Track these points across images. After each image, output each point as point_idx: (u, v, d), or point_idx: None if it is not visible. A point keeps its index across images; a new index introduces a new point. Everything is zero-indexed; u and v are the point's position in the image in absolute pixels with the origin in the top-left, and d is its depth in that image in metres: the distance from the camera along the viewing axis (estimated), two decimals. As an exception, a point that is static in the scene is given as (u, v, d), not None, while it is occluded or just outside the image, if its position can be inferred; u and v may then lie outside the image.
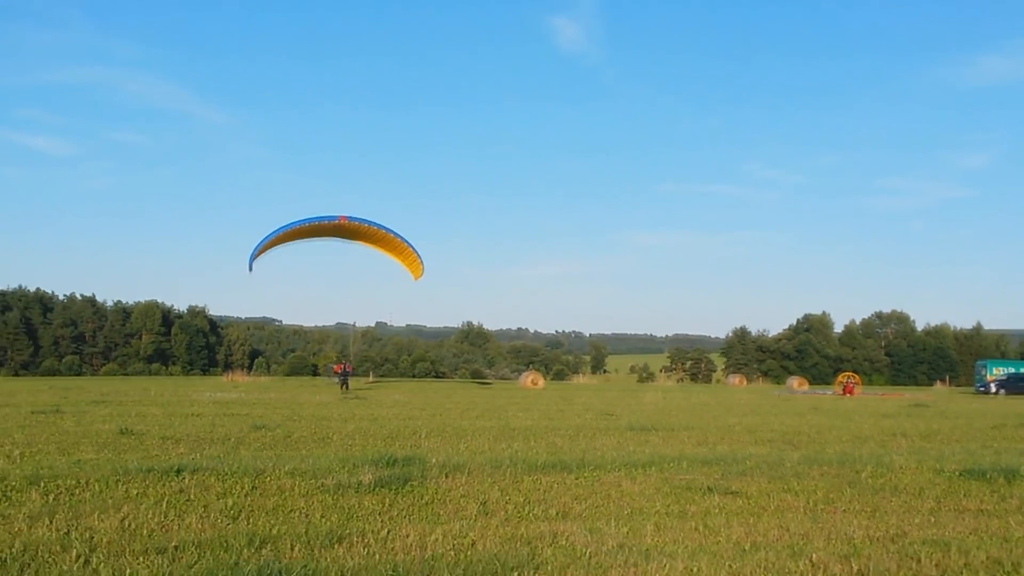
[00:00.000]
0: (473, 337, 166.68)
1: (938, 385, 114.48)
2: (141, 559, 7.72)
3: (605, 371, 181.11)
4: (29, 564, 7.47)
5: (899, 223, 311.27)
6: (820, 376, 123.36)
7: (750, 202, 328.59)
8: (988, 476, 13.27)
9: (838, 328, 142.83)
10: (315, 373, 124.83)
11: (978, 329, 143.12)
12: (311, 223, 48.99)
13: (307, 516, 9.82)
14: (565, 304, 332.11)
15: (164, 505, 10.12)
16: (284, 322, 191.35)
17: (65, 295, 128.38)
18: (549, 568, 7.66)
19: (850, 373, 79.44)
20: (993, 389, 73.86)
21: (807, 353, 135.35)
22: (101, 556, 7.76)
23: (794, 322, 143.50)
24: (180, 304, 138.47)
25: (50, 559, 7.64)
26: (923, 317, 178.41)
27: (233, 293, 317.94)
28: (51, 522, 9.06)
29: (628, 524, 9.70)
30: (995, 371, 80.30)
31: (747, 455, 16.05)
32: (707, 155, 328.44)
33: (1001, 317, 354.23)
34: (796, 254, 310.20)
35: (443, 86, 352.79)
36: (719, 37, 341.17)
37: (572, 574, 7.51)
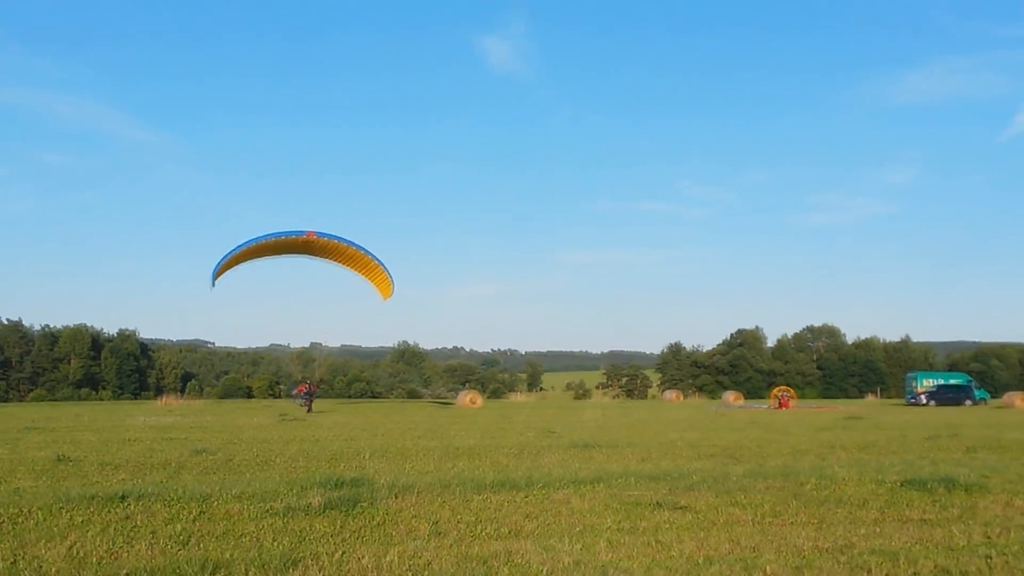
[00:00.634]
0: (409, 357, 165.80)
1: (869, 397, 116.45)
2: (93, 588, 7.60)
3: (541, 388, 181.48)
4: (-22, 596, 7.32)
5: (828, 238, 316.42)
6: (754, 390, 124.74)
7: (683, 219, 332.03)
8: (928, 486, 13.51)
9: (770, 342, 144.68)
10: (249, 395, 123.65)
11: (906, 341, 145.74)
12: (278, 238, 47.69)
13: (258, 540, 9.73)
14: (500, 322, 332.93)
15: (111, 532, 9.96)
16: (216, 344, 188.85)
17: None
18: (507, 587, 7.67)
19: (784, 387, 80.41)
20: (923, 400, 75.23)
21: (741, 368, 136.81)
22: (52, 585, 7.63)
23: (727, 337, 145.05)
24: (110, 328, 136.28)
25: (-1, 590, 7.50)
26: (853, 330, 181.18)
27: (164, 316, 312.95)
28: (-4, 552, 8.89)
29: (581, 541, 9.72)
30: (925, 383, 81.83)
31: (692, 470, 16.18)
32: (640, 173, 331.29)
33: (928, 329, 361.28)
34: (729, 270, 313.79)
35: (374, 106, 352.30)
36: (649, 56, 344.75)
37: (531, 592, 7.52)
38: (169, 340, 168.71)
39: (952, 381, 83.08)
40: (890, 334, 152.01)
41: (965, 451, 21.74)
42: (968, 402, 75.48)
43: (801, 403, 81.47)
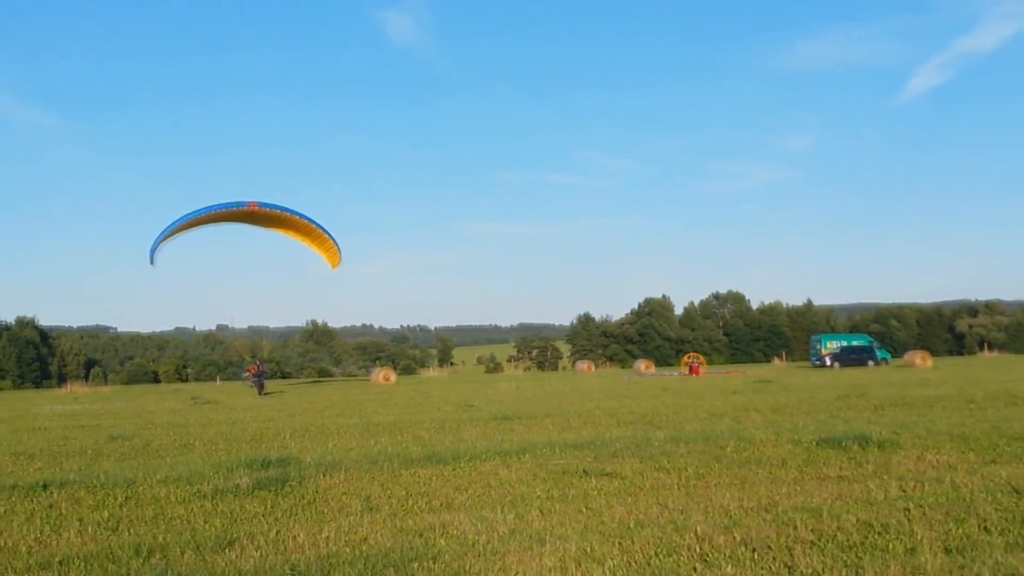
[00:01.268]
0: (318, 335, 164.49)
1: (776, 361, 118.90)
2: (27, 577, 7.50)
3: (452, 363, 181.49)
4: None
5: (731, 205, 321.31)
6: (663, 358, 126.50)
7: (588, 190, 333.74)
8: (843, 444, 13.90)
9: (678, 310, 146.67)
10: (156, 380, 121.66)
11: (809, 305, 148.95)
12: (219, 210, 46.07)
13: (190, 523, 9.68)
14: (409, 298, 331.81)
15: (37, 521, 9.83)
16: (119, 329, 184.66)
17: None
18: (446, 558, 7.73)
19: (694, 353, 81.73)
20: (828, 362, 77.07)
21: (649, 336, 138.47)
22: (-17, 577, 7.51)
23: (636, 306, 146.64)
24: (7, 315, 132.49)
25: (-71, 583, 7.36)
26: (758, 296, 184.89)
27: (63, 302, 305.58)
28: (-80, 546, 8.70)
29: (513, 511, 9.84)
30: (829, 344, 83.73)
31: (614, 437, 16.42)
32: (544, 144, 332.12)
33: (829, 292, 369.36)
34: (635, 239, 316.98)
35: (273, 81, 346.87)
36: (549, 26, 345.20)
37: (470, 562, 7.59)
38: (70, 326, 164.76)
39: (855, 343, 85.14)
40: (793, 298, 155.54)
41: (873, 410, 22.39)
42: (871, 363, 77.51)
43: (711, 369, 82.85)
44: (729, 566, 7.29)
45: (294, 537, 8.74)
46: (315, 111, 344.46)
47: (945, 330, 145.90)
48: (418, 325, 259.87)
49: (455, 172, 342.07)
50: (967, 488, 10.27)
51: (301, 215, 48.86)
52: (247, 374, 55.27)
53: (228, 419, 27.61)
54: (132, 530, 9.36)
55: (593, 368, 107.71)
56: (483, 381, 71.02)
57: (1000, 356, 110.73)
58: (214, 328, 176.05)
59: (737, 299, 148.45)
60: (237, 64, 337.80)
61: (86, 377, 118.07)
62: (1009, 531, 8.16)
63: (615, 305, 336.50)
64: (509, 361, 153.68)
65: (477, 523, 9.15)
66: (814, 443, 14.27)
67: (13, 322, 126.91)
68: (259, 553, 8.15)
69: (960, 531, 8.20)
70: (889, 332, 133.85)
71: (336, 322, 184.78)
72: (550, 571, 7.32)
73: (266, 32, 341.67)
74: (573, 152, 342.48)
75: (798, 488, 10.77)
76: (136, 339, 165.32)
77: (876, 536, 8.12)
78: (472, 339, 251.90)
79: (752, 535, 8.22)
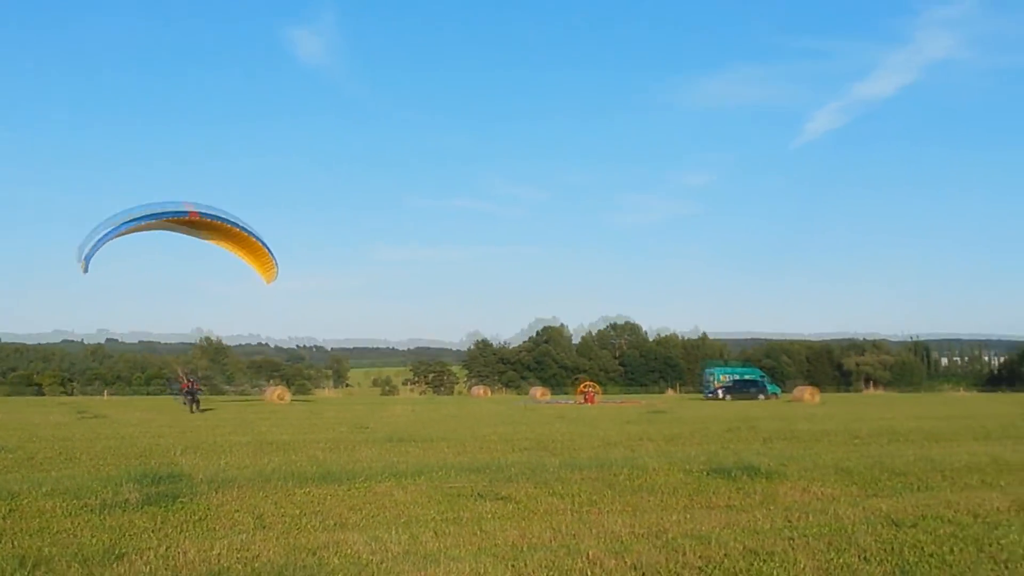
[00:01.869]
0: (212, 352, 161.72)
1: (669, 392, 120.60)
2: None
3: (348, 384, 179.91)
4: None
5: (637, 237, 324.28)
6: (559, 385, 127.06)
7: (494, 217, 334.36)
8: (732, 474, 14.23)
9: (575, 340, 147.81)
10: (40, 392, 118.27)
11: (704, 338, 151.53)
12: (156, 218, 43.75)
13: (76, 536, 9.49)
14: (304, 315, 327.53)
15: (-85, 532, 9.54)
16: (1, 339, 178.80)
17: None
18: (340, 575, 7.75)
19: (589, 382, 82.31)
20: (720, 394, 78.34)
21: (546, 364, 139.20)
22: None
23: (531, 330, 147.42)
24: None
25: None
26: (652, 325, 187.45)
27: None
28: None
29: (407, 531, 9.86)
30: (722, 377, 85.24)
31: (509, 462, 16.52)
32: (452, 170, 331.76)
33: (723, 324, 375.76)
34: (534, 265, 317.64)
35: (177, 97, 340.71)
36: (462, 54, 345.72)
37: (364, 580, 7.63)
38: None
39: (746, 376, 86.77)
40: (687, 329, 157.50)
41: (762, 441, 22.89)
42: (761, 396, 79.00)
43: (606, 398, 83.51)
44: (619, 589, 7.44)
45: (184, 553, 8.63)
46: (219, 128, 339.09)
47: (833, 366, 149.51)
48: (314, 345, 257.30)
49: (361, 194, 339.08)
50: (849, 519, 10.60)
51: (242, 226, 46.75)
52: (182, 389, 53.60)
53: (116, 434, 27.00)
54: (15, 542, 9.15)
55: (489, 393, 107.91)
56: (378, 403, 70.60)
57: (885, 393, 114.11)
58: (103, 342, 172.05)
59: (633, 329, 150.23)
60: (138, 78, 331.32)
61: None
62: (887, 561, 8.47)
63: (506, 325, 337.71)
64: (405, 384, 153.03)
65: (371, 542, 9.15)
66: (704, 472, 14.56)
67: None
68: (148, 568, 8.04)
69: (841, 560, 8.48)
70: (779, 366, 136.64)
71: (230, 338, 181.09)
72: (443, 591, 7.38)
73: (168, 47, 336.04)
74: (481, 179, 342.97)
75: (688, 516, 10.98)
76: (20, 349, 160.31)
77: (761, 563, 8.34)
78: (367, 360, 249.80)
79: (642, 560, 8.38)
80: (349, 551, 8.81)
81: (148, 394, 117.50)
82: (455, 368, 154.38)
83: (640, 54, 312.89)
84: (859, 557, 8.60)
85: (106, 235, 41.04)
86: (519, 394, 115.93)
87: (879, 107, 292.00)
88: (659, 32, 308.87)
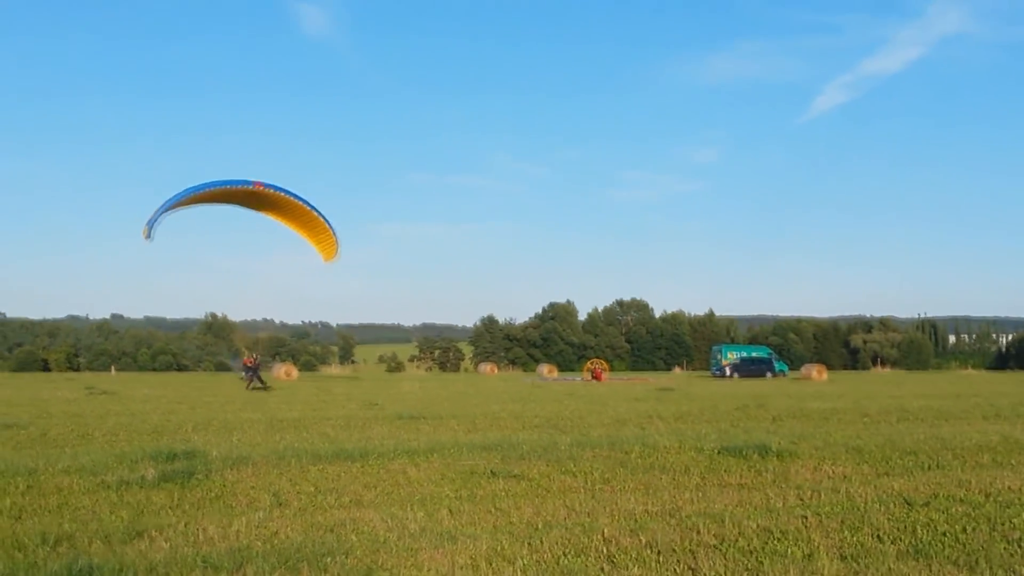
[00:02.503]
0: (217, 328, 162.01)
1: (677, 370, 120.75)
2: (-70, 564, 7.38)
3: (354, 361, 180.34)
4: None
5: (637, 214, 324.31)
6: (566, 363, 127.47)
7: (497, 193, 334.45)
8: (744, 453, 14.26)
9: (582, 316, 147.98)
10: (46, 368, 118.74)
11: (711, 315, 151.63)
12: (223, 187, 43.39)
13: (95, 513, 9.58)
14: (312, 294, 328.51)
15: (-64, 508, 9.63)
16: (7, 315, 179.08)
17: None
18: (359, 553, 7.80)
19: (597, 360, 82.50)
20: (728, 372, 78.49)
21: (552, 341, 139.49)
22: None
23: (540, 311, 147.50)
24: None
25: None
26: (661, 304, 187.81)
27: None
28: None
29: (423, 509, 9.93)
30: (729, 355, 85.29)
31: (521, 440, 16.58)
32: (455, 146, 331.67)
33: (730, 303, 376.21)
34: (542, 244, 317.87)
35: (184, 74, 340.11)
36: (465, 30, 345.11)
37: (383, 558, 7.68)
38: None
39: (754, 354, 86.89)
40: (695, 308, 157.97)
41: (772, 420, 22.95)
42: (769, 374, 79.21)
43: (613, 375, 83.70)
44: (636, 567, 7.50)
45: (204, 530, 8.71)
46: (222, 103, 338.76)
47: (841, 344, 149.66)
48: (320, 321, 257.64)
49: (363, 170, 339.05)
50: (861, 498, 10.65)
51: (304, 201, 45.99)
52: (245, 365, 53.58)
53: (127, 410, 27.16)
54: (37, 519, 9.24)
55: (496, 370, 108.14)
56: (386, 380, 70.85)
57: (893, 372, 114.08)
58: (108, 317, 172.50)
59: (641, 307, 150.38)
60: (144, 53, 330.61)
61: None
62: (901, 540, 8.51)
63: (519, 309, 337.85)
64: (411, 361, 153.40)
65: (388, 520, 9.23)
66: (716, 451, 14.60)
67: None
68: (169, 545, 8.11)
69: (855, 539, 8.52)
70: (787, 345, 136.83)
71: (236, 315, 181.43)
72: (462, 569, 7.44)
73: (174, 21, 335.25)
74: (484, 155, 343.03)
75: (701, 494, 11.03)
76: (26, 325, 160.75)
77: (776, 542, 8.39)
78: (374, 337, 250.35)
79: (657, 538, 8.43)
80: (366, 529, 8.88)
81: (154, 370, 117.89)
82: (462, 345, 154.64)
83: (645, 30, 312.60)
84: (873, 536, 8.65)
85: (169, 203, 40.52)
86: (526, 371, 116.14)
87: (888, 82, 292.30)
88: (665, 8, 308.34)
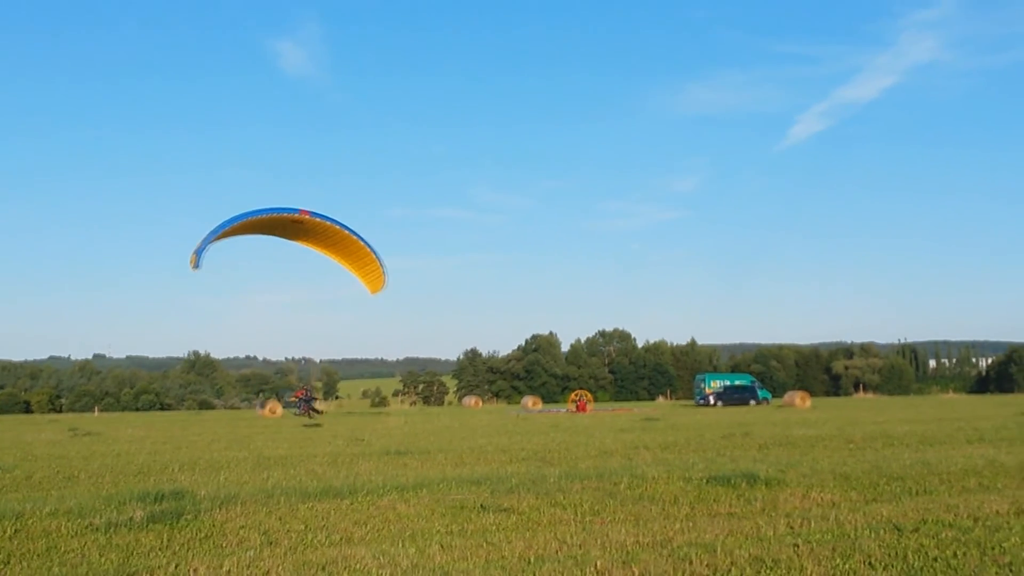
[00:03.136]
0: (200, 367, 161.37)
1: (660, 399, 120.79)
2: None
3: (338, 397, 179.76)
4: None
5: (618, 244, 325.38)
6: (550, 395, 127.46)
7: (479, 225, 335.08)
8: (732, 482, 14.27)
9: (565, 347, 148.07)
10: (28, 410, 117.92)
11: (693, 344, 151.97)
12: (269, 215, 42.09)
13: (84, 556, 9.50)
14: (294, 330, 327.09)
15: (-77, 555, 9.54)
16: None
17: None
18: (352, 591, 7.79)
19: (581, 391, 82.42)
20: (712, 401, 78.54)
21: (536, 373, 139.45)
22: None
23: (523, 343, 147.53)
24: None
25: None
26: (643, 334, 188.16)
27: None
28: None
29: (414, 545, 9.90)
30: (713, 384, 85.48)
31: (509, 473, 16.57)
32: (436, 179, 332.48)
33: (712, 332, 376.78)
34: (524, 276, 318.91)
35: (163, 111, 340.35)
36: (443, 63, 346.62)
37: (376, 596, 7.67)
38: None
39: (738, 382, 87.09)
40: (677, 337, 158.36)
41: (758, 448, 22.96)
42: (752, 402, 79.33)
43: (597, 406, 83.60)
44: (630, 600, 7.50)
45: (194, 571, 8.67)
46: (204, 140, 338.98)
47: (822, 371, 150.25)
48: (303, 357, 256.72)
49: (344, 204, 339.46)
50: (851, 525, 10.68)
51: (351, 230, 44.30)
52: (294, 399, 53.22)
53: (111, 451, 26.97)
54: (25, 563, 9.16)
55: (480, 404, 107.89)
56: (370, 415, 70.48)
57: (875, 398, 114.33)
58: (90, 357, 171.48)
59: (623, 337, 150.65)
60: (124, 89, 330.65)
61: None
62: (892, 566, 8.54)
63: (502, 341, 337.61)
64: (395, 395, 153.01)
65: (379, 557, 9.20)
66: (704, 481, 14.61)
67: None
68: (160, 587, 8.08)
69: (847, 566, 8.55)
70: (769, 372, 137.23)
71: (218, 353, 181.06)
72: (456, 605, 7.43)
73: (157, 59, 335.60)
74: (464, 187, 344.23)
75: (691, 524, 11.04)
76: (7, 367, 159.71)
77: (768, 571, 8.42)
78: (357, 372, 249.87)
79: (650, 570, 8.45)
80: (358, 566, 8.84)
81: (137, 410, 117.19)
82: (445, 378, 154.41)
83: (626, 61, 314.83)
84: (865, 563, 8.68)
85: (216, 232, 39.55)
86: (511, 404, 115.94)
87: (863, 110, 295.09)
88: (644, 39, 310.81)
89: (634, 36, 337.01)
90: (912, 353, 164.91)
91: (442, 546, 9.84)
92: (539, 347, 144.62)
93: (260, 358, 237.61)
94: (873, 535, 9.99)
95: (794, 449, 22.48)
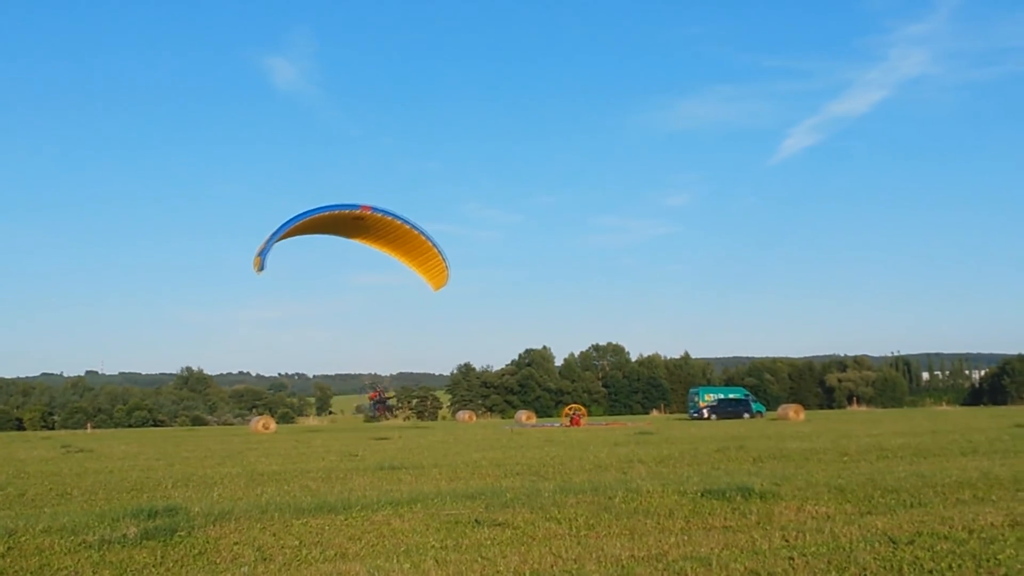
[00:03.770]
0: (193, 383, 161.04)
1: (654, 413, 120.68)
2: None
3: (331, 412, 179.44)
4: None
5: (612, 259, 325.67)
6: (544, 409, 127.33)
7: (472, 241, 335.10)
8: (727, 495, 14.26)
9: (558, 362, 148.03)
10: (20, 427, 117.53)
11: (686, 358, 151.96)
12: (331, 211, 40.02)
13: (78, 573, 9.48)
14: (286, 346, 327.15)
15: (-84, 573, 9.50)
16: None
17: None
18: (347, 607, 7.77)
19: (575, 405, 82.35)
20: (706, 414, 78.50)
21: (529, 387, 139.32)
22: None
23: (516, 357, 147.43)
24: None
25: None
26: (636, 348, 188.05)
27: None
28: None
29: (409, 560, 9.87)
30: (707, 397, 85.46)
31: (503, 488, 16.53)
32: (427, 195, 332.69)
33: (705, 345, 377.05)
34: (517, 291, 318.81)
35: (156, 127, 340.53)
36: (436, 80, 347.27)
37: (371, 611, 7.64)
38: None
39: (731, 396, 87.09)
40: (670, 351, 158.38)
41: (753, 461, 22.94)
42: (746, 415, 79.30)
43: (591, 420, 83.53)
44: (626, 614, 7.48)
45: (188, 588, 8.64)
46: (195, 156, 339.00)
47: (816, 384, 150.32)
48: (296, 373, 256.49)
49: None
50: (846, 538, 10.67)
51: (413, 225, 41.88)
52: (370, 400, 52.89)
53: (104, 468, 26.87)
54: (18, 582, 9.14)
55: (474, 418, 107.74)
56: (363, 430, 70.36)
57: (868, 410, 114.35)
58: (83, 374, 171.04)
59: (617, 351, 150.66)
60: (116, 106, 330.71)
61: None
62: (888, 579, 8.54)
63: (496, 355, 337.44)
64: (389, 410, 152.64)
65: (374, 572, 9.18)
66: (699, 494, 14.59)
67: None
68: (154, 604, 8.05)
69: (843, 579, 8.55)
70: (763, 385, 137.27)
71: (211, 369, 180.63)
72: (452, 620, 7.41)
73: (149, 76, 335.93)
74: (457, 204, 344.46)
75: (686, 538, 11.02)
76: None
77: (763, 584, 8.41)
78: (351, 387, 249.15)
79: (645, 584, 8.43)
80: (353, 582, 8.83)
81: (130, 426, 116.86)
82: (439, 393, 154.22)
83: (617, 77, 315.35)
84: (860, 575, 8.68)
85: (279, 232, 38.24)
86: (504, 418, 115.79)
87: (854, 124, 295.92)
88: (635, 54, 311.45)
89: (626, 52, 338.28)
90: (905, 365, 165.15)
91: (437, 561, 9.81)
92: (533, 361, 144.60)
93: (253, 374, 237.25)
94: (868, 547, 9.99)
95: (789, 462, 22.47)
